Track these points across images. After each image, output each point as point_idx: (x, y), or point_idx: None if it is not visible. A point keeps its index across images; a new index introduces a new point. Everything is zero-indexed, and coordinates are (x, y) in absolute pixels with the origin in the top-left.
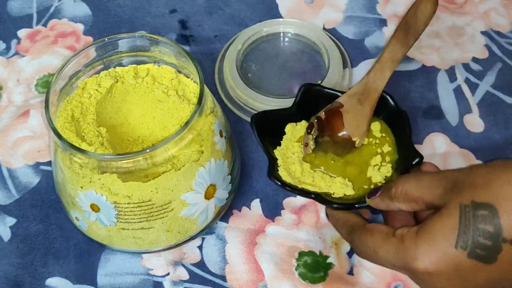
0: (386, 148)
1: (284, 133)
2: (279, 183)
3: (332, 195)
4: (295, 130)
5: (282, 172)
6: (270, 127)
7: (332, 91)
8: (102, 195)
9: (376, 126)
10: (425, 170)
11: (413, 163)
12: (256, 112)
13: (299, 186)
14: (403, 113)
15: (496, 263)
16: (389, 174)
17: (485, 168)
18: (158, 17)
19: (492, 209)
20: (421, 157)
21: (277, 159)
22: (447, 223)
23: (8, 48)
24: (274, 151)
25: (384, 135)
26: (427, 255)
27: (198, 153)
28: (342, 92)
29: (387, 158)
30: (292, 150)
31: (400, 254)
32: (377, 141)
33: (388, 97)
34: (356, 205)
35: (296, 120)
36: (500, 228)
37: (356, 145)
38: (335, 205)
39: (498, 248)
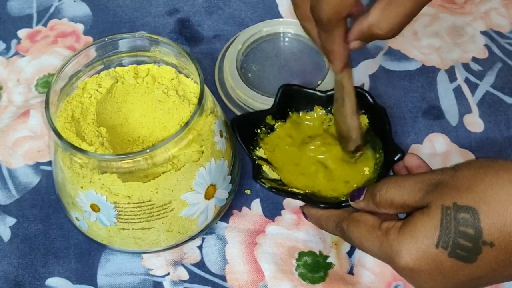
0: None
1: (267, 133)
2: (266, 186)
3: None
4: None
5: (267, 169)
6: (251, 129)
7: (311, 91)
8: (102, 195)
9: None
10: (408, 163)
11: (395, 159)
12: (234, 116)
13: (286, 188)
14: (381, 109)
15: (476, 263)
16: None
17: (469, 170)
18: (158, 17)
19: (474, 212)
20: (403, 152)
21: (258, 160)
22: (429, 222)
23: (8, 48)
24: (262, 146)
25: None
26: (408, 251)
27: (198, 153)
28: (321, 91)
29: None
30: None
31: (383, 248)
32: None
33: (366, 94)
34: (343, 204)
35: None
36: (481, 231)
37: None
38: (322, 205)
39: (478, 250)
